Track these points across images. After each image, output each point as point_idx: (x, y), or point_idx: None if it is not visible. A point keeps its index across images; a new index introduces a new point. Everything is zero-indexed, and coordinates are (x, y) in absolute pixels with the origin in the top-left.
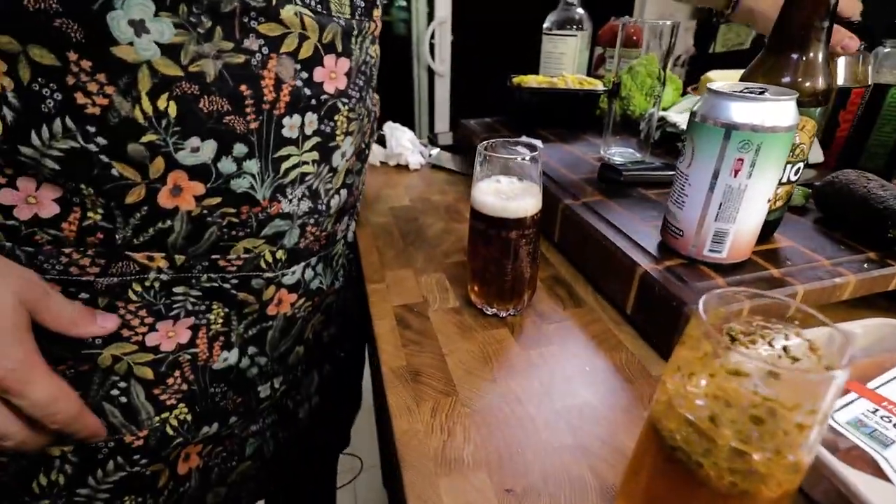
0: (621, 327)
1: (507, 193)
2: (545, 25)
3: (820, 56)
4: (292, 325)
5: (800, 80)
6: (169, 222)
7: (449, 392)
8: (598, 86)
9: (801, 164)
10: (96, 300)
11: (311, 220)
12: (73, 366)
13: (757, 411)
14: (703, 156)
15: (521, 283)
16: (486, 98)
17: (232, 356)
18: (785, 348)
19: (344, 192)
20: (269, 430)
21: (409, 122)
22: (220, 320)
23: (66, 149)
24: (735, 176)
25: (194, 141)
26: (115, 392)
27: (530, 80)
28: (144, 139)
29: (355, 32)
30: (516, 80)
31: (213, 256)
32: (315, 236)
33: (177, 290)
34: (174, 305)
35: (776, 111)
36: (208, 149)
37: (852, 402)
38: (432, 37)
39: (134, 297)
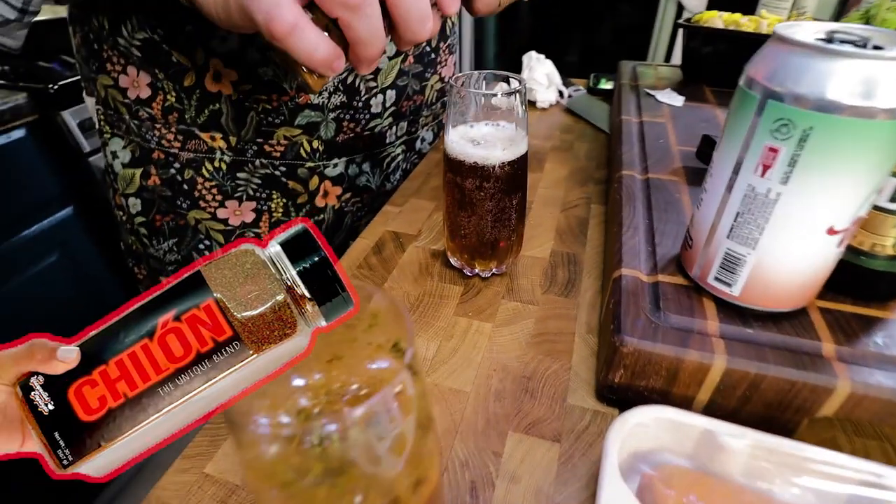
0: (586, 337)
1: (480, 138)
2: None
3: None
4: (342, 219)
5: None
6: (217, 105)
7: None
8: None
9: None
10: (183, 172)
11: (347, 116)
12: (173, 219)
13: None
14: (731, 135)
15: (482, 242)
16: None
17: None
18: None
19: (391, 93)
20: None
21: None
22: (280, 209)
23: (142, 38)
24: (762, 175)
25: (222, 31)
26: (201, 247)
27: (714, 20)
28: (187, 28)
29: None
30: (696, 17)
31: (259, 140)
32: (355, 133)
33: (240, 174)
34: (238, 188)
35: (860, 75)
36: (234, 38)
37: None
38: None
39: (207, 175)
